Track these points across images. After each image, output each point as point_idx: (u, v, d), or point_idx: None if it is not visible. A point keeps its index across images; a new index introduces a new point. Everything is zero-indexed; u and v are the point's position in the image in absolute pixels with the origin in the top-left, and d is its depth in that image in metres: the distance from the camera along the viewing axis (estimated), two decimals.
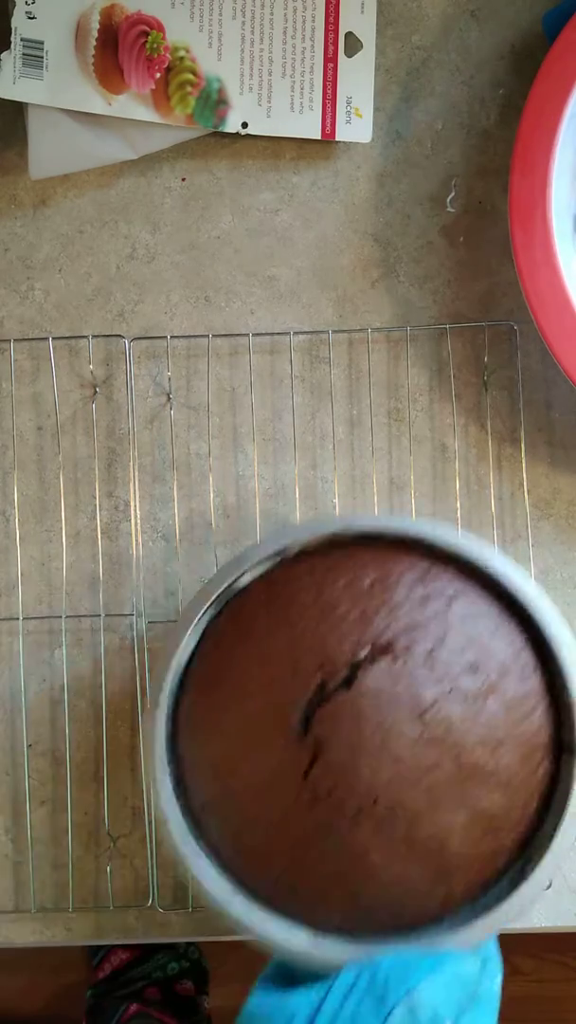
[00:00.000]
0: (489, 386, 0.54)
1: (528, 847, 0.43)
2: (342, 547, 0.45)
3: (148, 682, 0.52)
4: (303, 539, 0.45)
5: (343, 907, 0.42)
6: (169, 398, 0.54)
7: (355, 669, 0.41)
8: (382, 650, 0.42)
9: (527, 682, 0.43)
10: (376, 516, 0.46)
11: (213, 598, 0.44)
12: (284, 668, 0.42)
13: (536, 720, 0.43)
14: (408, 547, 0.45)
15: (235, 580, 0.45)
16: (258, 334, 0.54)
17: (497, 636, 0.43)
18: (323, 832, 0.41)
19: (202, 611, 0.44)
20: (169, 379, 0.54)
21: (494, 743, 0.41)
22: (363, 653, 0.42)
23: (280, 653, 0.42)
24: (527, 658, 0.44)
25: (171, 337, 0.54)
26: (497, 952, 0.43)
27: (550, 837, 0.42)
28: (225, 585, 0.45)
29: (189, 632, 0.44)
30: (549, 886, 0.52)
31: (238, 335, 0.54)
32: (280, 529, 0.46)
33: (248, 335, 0.54)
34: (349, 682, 0.41)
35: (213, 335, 0.54)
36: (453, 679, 0.41)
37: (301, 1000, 0.40)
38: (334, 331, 0.54)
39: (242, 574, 0.45)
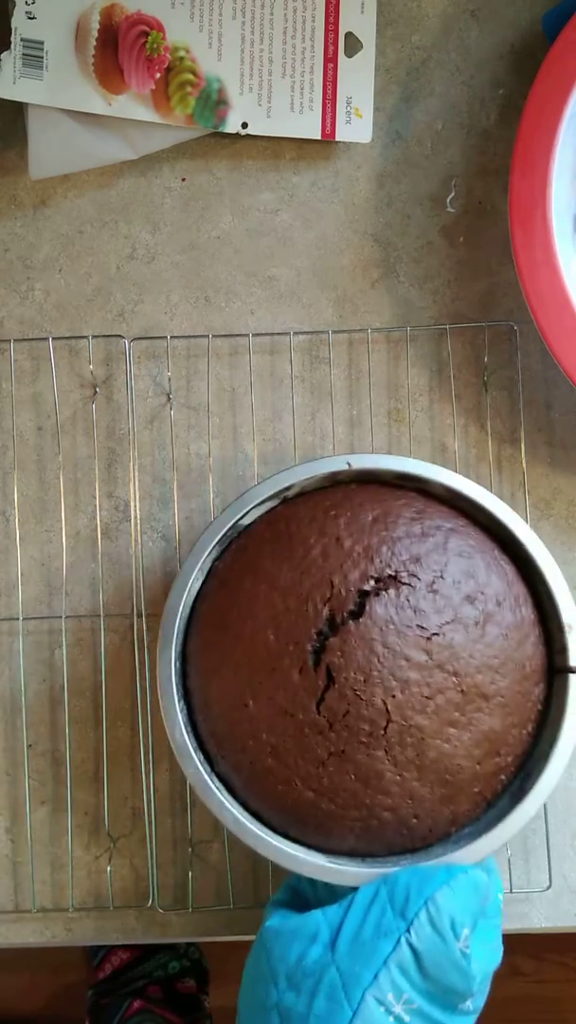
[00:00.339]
0: (489, 386, 0.54)
1: (527, 765, 0.46)
2: (341, 485, 0.48)
3: (148, 682, 0.52)
4: (303, 479, 0.47)
5: (357, 828, 0.44)
6: (169, 398, 0.54)
7: (363, 600, 0.44)
8: (387, 582, 0.44)
9: (520, 610, 0.46)
10: (373, 456, 0.48)
11: (218, 538, 0.46)
12: (293, 601, 0.44)
13: (530, 646, 0.46)
14: (403, 487, 0.48)
15: (238, 520, 0.47)
16: (258, 334, 0.54)
17: (491, 569, 0.46)
18: (338, 756, 0.43)
19: (208, 550, 0.46)
20: (169, 379, 0.54)
21: (494, 668, 0.45)
22: (369, 584, 0.44)
23: (288, 587, 0.45)
24: (519, 589, 0.47)
25: (171, 337, 0.54)
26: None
27: (547, 754, 0.45)
28: (229, 526, 0.47)
29: (196, 571, 0.46)
30: (549, 887, 0.52)
31: (238, 335, 0.54)
32: (280, 470, 0.47)
33: (248, 335, 0.54)
34: (357, 613, 0.44)
35: (213, 335, 0.54)
36: (455, 608, 0.44)
37: (323, 917, 0.42)
38: (334, 331, 0.54)
39: (244, 514, 0.47)
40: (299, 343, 0.55)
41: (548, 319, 0.49)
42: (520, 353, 0.54)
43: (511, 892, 0.52)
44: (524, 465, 0.54)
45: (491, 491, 0.54)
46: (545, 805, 0.52)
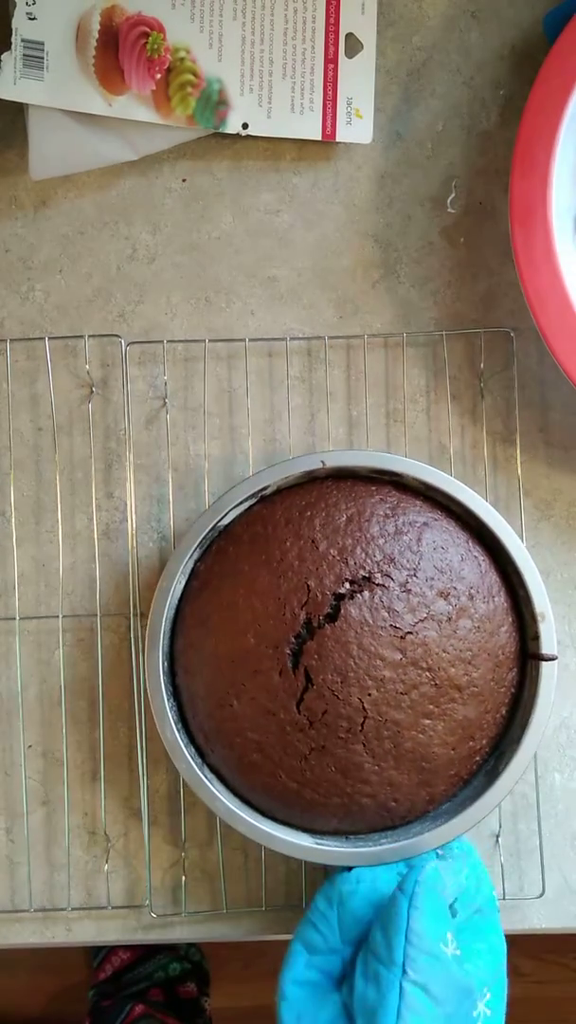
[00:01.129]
0: (487, 389, 0.54)
1: (500, 745, 0.48)
2: (317, 482, 0.49)
3: (146, 682, 0.52)
4: (279, 479, 0.48)
5: (340, 812, 0.47)
6: (165, 402, 0.54)
7: (338, 603, 0.46)
8: (362, 584, 0.46)
9: (494, 601, 0.48)
10: (347, 452, 0.50)
11: (199, 540, 0.48)
12: (271, 606, 0.46)
13: (503, 634, 0.48)
14: (378, 481, 0.49)
15: (217, 522, 0.48)
16: (254, 339, 0.54)
17: (465, 561, 0.48)
18: (319, 751, 0.46)
19: (189, 552, 0.48)
20: (165, 383, 0.54)
21: (467, 660, 0.46)
22: (344, 587, 0.46)
23: (266, 591, 0.46)
24: (493, 578, 0.48)
25: (167, 342, 0.54)
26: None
27: (519, 737, 0.47)
28: (209, 528, 0.48)
29: (178, 574, 0.48)
30: (543, 893, 0.52)
31: (234, 340, 0.54)
32: (258, 471, 0.49)
33: (244, 340, 0.54)
34: (333, 616, 0.46)
35: (209, 340, 0.54)
36: (428, 605, 0.46)
37: (338, 998, 0.44)
38: (331, 337, 0.54)
39: (223, 516, 0.48)
40: (298, 345, 0.55)
41: (548, 319, 0.49)
42: (518, 355, 0.54)
43: (503, 899, 0.52)
44: (519, 466, 0.54)
45: (488, 491, 0.54)
46: (539, 812, 0.52)
